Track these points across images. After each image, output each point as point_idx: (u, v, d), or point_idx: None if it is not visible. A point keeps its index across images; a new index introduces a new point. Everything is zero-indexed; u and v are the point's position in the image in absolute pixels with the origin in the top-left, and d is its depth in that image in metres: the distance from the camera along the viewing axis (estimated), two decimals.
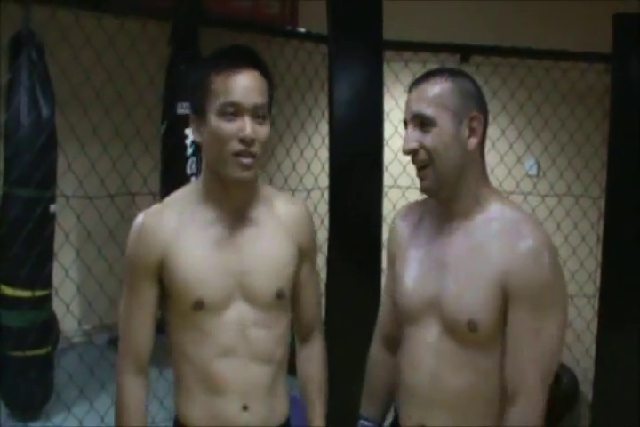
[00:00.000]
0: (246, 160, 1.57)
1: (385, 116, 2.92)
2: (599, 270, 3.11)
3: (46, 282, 3.51)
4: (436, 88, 1.57)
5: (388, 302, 1.83)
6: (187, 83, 3.66)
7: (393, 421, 1.80)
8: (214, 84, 1.57)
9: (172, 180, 3.72)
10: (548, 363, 1.55)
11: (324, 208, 3.03)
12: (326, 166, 2.96)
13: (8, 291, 3.45)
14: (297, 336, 1.87)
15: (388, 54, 2.96)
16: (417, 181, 1.65)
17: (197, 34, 3.58)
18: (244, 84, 1.57)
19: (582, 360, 3.65)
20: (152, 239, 1.63)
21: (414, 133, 1.59)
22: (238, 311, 1.65)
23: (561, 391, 3.74)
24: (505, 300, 1.53)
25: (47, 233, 3.38)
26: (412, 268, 1.69)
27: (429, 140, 1.57)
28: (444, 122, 1.56)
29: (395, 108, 3.11)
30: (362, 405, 1.89)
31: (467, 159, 1.58)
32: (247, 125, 1.55)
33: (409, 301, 1.67)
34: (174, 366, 1.72)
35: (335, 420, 1.91)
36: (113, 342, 5.17)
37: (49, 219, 3.41)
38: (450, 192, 1.61)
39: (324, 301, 2.29)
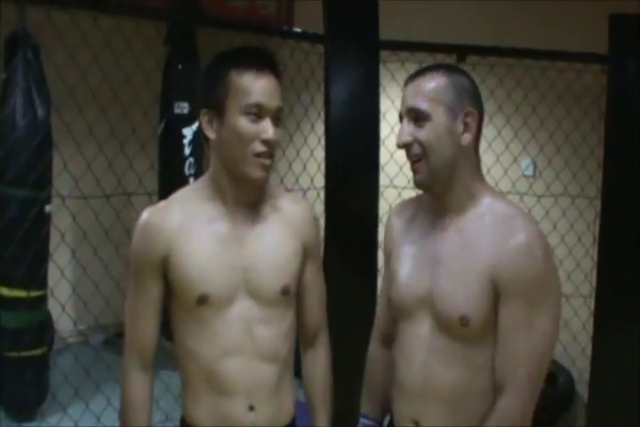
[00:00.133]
0: (267, 161, 1.60)
1: (381, 116, 2.92)
2: (595, 271, 3.11)
3: (42, 282, 3.50)
4: (432, 83, 1.58)
5: (384, 300, 1.83)
6: (184, 82, 3.68)
7: (389, 420, 1.80)
8: (237, 83, 1.57)
9: (170, 180, 3.73)
10: (539, 359, 1.54)
11: (320, 208, 3.03)
12: (322, 166, 2.96)
13: (4, 291, 3.44)
14: (301, 339, 1.84)
15: (384, 54, 2.96)
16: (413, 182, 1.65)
17: (194, 34, 3.58)
18: (268, 87, 1.59)
19: (578, 360, 3.65)
20: (157, 235, 1.63)
21: (409, 127, 1.59)
22: (243, 308, 1.64)
23: (557, 391, 3.75)
24: (496, 295, 1.53)
25: (43, 233, 3.37)
26: (405, 264, 1.70)
27: (423, 134, 1.57)
28: (439, 116, 1.56)
29: (391, 108, 3.11)
30: (362, 403, 1.89)
31: (460, 154, 1.59)
32: (270, 128, 1.58)
33: (402, 296, 1.68)
34: (180, 366, 1.72)
35: (333, 419, 1.91)
36: (108, 343, 5.18)
37: (44, 219, 3.41)
38: (443, 186, 1.61)
39: None
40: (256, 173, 1.60)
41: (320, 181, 3.05)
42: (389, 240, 1.79)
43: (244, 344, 1.65)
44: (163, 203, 1.71)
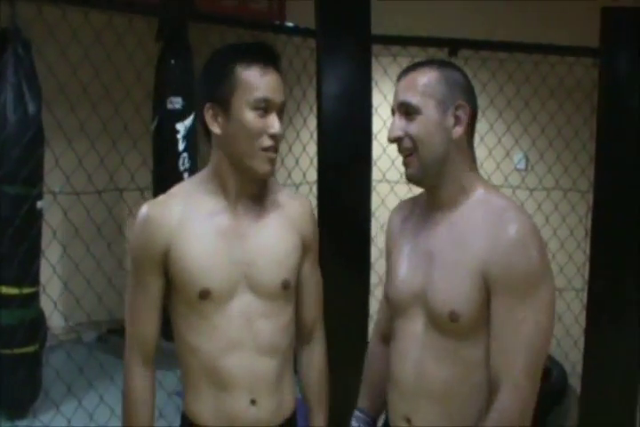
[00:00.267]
0: (273, 155, 1.62)
1: (373, 111, 2.92)
2: (587, 264, 3.12)
3: (34, 279, 3.49)
4: (424, 77, 1.58)
5: (385, 297, 1.83)
6: (177, 78, 3.66)
7: (385, 418, 1.80)
8: (244, 78, 1.58)
9: (164, 175, 3.71)
10: (536, 355, 1.51)
11: (312, 203, 3.02)
12: (314, 161, 2.96)
13: None
14: (297, 334, 1.83)
15: (376, 49, 2.95)
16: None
17: (187, 29, 3.56)
18: (274, 82, 1.60)
19: (571, 354, 3.66)
20: (157, 230, 1.62)
21: (400, 122, 1.60)
22: (244, 302, 1.65)
23: (550, 385, 3.75)
24: (487, 290, 1.51)
25: (34, 230, 3.36)
26: (401, 261, 1.70)
27: (414, 127, 1.57)
28: (429, 110, 1.56)
29: (383, 102, 3.10)
30: (359, 398, 1.89)
31: (452, 148, 1.58)
32: (276, 122, 1.59)
33: (397, 293, 1.68)
34: (180, 362, 1.72)
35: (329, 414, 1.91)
36: (101, 340, 5.18)
37: (36, 216, 3.39)
38: (434, 180, 1.61)
39: None
40: (264, 167, 1.61)
41: (312, 175, 3.05)
42: (389, 239, 1.80)
43: (245, 339, 1.65)
44: (162, 197, 1.70)
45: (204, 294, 1.61)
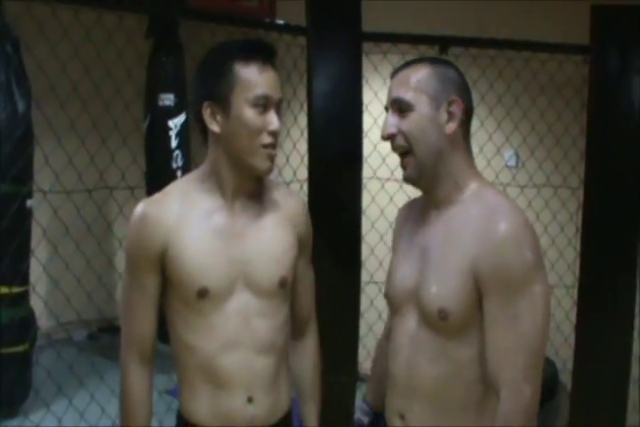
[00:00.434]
0: (273, 152, 1.62)
1: (364, 108, 2.91)
2: (578, 260, 3.13)
3: (23, 278, 3.48)
4: (416, 73, 1.58)
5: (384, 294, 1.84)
6: (169, 74, 3.65)
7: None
8: (244, 76, 1.57)
9: (157, 173, 3.70)
10: (533, 354, 1.48)
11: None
12: (305, 159, 2.95)
13: None
14: (292, 330, 1.83)
15: (366, 46, 2.94)
16: (396, 173, 1.65)
17: (178, 26, 3.55)
18: (272, 79, 1.61)
19: (562, 350, 3.66)
20: (154, 229, 1.61)
21: (393, 119, 1.59)
22: (242, 301, 1.65)
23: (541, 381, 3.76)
24: (478, 288, 1.50)
25: (24, 229, 3.35)
26: (399, 260, 1.71)
27: (407, 124, 1.57)
28: (422, 106, 1.56)
29: (374, 99, 3.10)
30: (366, 391, 1.92)
31: (446, 143, 1.58)
32: (275, 119, 1.59)
33: (393, 291, 1.69)
34: (177, 361, 1.72)
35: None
36: (92, 338, 5.17)
37: (25, 214, 3.38)
38: (430, 179, 1.60)
39: None
40: (264, 163, 1.62)
41: (303, 173, 3.04)
42: (393, 238, 1.82)
43: (242, 337, 1.65)
44: (158, 195, 1.69)
45: (202, 293, 1.61)
